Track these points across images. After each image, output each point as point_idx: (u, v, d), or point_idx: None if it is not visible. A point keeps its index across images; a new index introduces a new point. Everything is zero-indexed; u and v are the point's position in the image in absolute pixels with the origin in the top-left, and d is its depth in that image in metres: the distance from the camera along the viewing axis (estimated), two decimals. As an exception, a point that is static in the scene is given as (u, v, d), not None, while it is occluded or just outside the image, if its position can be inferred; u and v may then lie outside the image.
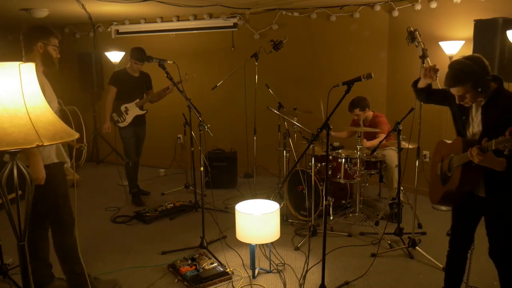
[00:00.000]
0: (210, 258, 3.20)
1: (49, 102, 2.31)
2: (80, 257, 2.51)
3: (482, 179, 2.17)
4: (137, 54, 4.42)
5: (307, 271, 3.06)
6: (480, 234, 2.32)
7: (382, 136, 4.10)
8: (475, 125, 2.21)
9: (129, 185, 4.76)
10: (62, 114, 2.53)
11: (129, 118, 4.54)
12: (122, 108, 4.53)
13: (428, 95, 2.48)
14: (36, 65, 2.29)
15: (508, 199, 2.15)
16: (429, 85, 2.47)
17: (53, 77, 2.59)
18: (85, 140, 2.59)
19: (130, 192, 4.76)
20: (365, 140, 4.29)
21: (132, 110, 4.55)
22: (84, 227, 3.84)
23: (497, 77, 2.17)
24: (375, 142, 4.16)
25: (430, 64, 2.46)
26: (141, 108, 4.61)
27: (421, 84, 2.46)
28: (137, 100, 4.57)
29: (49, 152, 2.49)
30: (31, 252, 2.62)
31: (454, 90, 2.12)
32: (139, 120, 4.62)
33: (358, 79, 2.50)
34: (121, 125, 4.54)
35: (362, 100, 4.33)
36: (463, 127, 2.29)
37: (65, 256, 2.61)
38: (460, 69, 2.06)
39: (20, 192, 1.60)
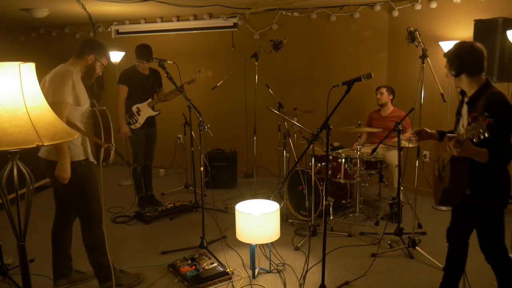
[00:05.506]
0: (210, 258, 3.20)
1: (81, 103, 2.63)
2: (107, 250, 2.63)
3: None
4: (140, 52, 4.18)
5: (307, 271, 3.06)
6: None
7: (409, 129, 4.17)
8: (464, 122, 2.26)
9: (136, 190, 4.54)
10: (93, 115, 2.70)
11: (141, 120, 4.30)
12: (134, 108, 4.28)
13: None
14: (76, 70, 2.65)
15: (490, 191, 2.18)
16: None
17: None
18: (112, 140, 2.68)
19: (137, 195, 4.57)
20: (404, 135, 4.17)
21: (145, 111, 4.32)
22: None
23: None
24: (407, 135, 4.04)
25: (430, 64, 2.48)
26: (153, 108, 4.38)
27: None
28: (149, 100, 4.33)
29: (80, 150, 2.62)
30: (52, 239, 2.81)
31: None
32: (150, 122, 4.40)
33: (358, 79, 2.51)
34: (133, 127, 4.29)
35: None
36: (457, 125, 2.34)
37: (93, 249, 2.75)
38: (455, 45, 2.26)
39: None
